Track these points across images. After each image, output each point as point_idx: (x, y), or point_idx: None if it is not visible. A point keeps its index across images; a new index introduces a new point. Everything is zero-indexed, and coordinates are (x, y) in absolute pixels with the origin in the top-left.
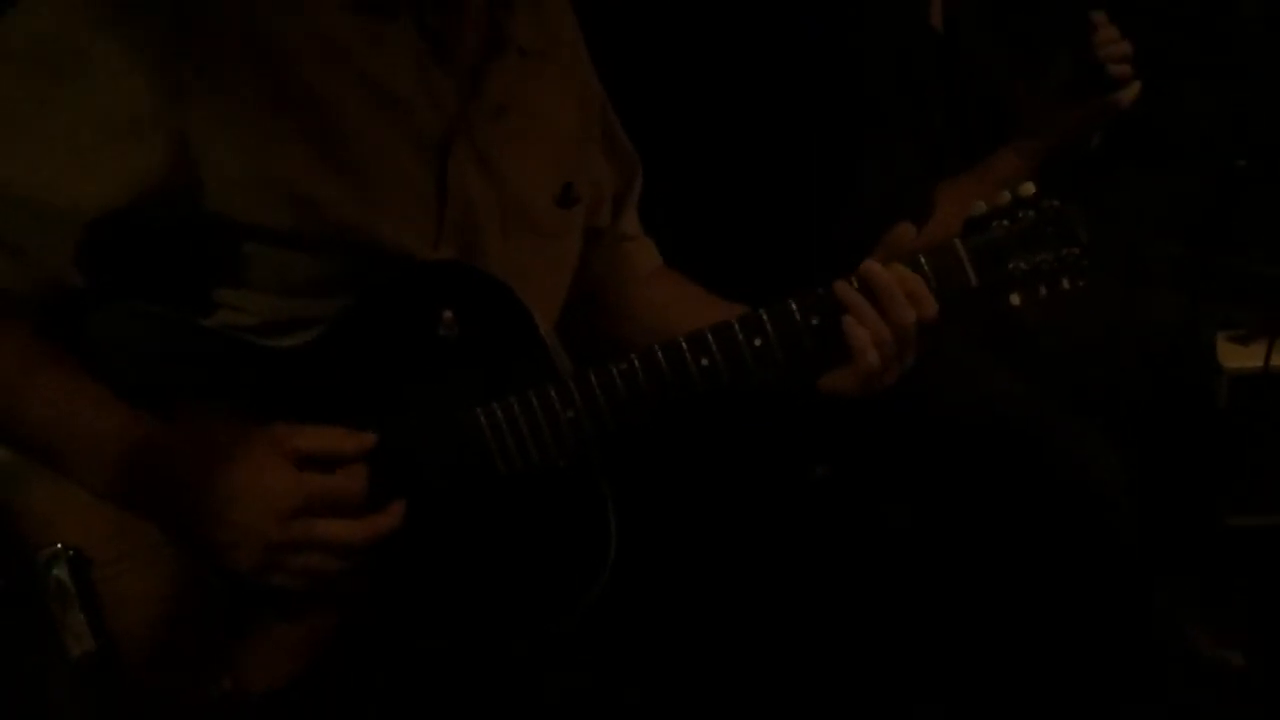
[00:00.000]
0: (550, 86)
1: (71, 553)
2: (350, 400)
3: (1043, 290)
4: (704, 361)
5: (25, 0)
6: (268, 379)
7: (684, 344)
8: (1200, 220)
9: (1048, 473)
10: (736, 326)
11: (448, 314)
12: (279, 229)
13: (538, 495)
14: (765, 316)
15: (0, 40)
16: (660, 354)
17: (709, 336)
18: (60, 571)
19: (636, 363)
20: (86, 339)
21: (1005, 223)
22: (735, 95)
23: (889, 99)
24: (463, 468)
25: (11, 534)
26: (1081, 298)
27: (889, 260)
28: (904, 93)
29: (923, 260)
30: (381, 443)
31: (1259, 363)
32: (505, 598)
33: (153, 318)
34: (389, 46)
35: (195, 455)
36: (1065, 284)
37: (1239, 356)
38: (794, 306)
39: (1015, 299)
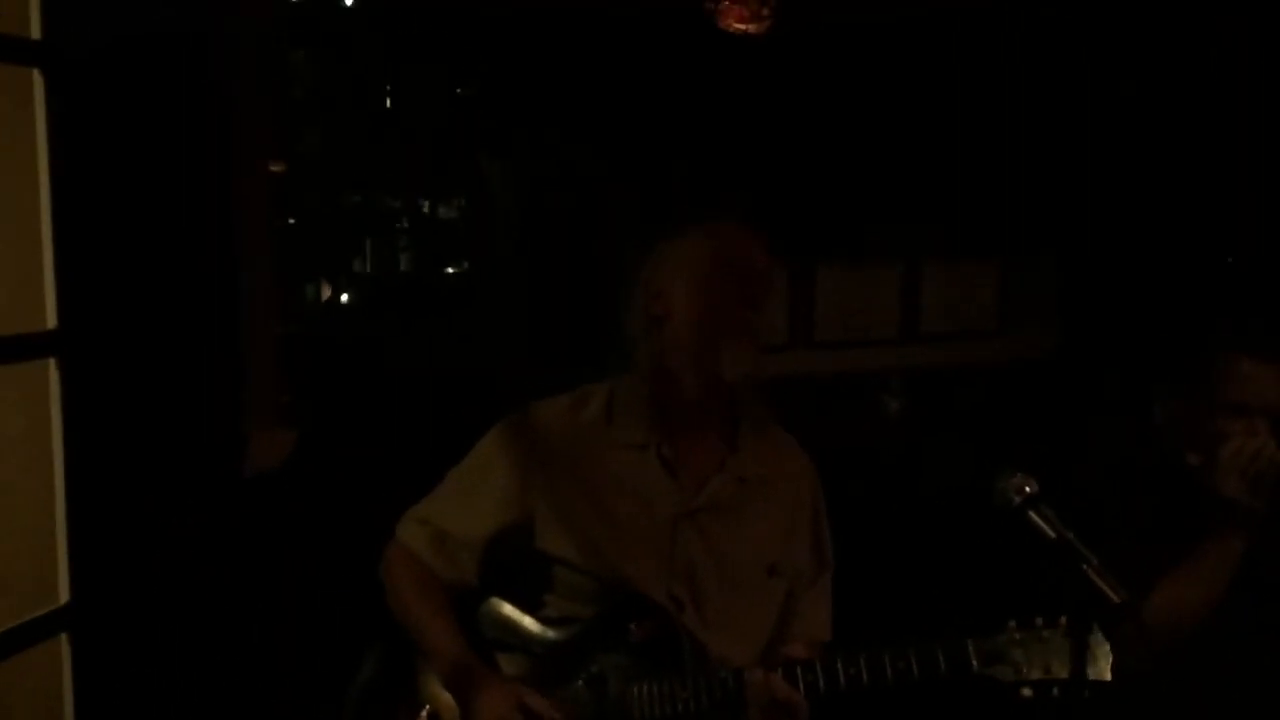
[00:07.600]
0: (761, 503)
1: (427, 709)
2: (572, 687)
3: None
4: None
5: (479, 443)
6: (537, 653)
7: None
8: None
9: None
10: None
11: (633, 626)
12: (574, 562)
13: None
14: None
15: (470, 456)
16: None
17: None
18: None
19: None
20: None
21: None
22: None
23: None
24: None
25: (414, 702)
26: None
27: (774, 668)
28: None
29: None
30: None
31: None
32: None
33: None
34: (642, 468)
35: (477, 678)
36: None
37: None
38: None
39: None
